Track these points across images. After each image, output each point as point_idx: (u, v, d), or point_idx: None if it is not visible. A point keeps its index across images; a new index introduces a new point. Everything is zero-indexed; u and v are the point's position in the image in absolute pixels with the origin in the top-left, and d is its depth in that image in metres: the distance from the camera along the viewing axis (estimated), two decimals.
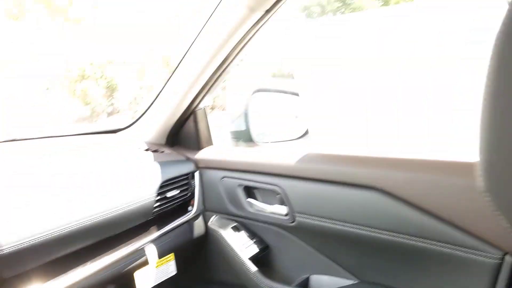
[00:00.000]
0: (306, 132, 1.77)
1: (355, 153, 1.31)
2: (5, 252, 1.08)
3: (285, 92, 1.88)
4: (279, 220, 1.46)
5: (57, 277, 1.26)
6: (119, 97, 11.96)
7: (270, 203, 1.50)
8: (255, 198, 1.56)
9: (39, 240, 1.15)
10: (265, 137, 1.77)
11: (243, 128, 1.72)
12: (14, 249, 1.10)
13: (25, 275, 1.20)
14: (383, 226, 1.20)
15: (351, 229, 1.27)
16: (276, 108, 1.94)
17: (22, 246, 1.12)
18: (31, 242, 1.14)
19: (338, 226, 1.29)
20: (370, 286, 1.32)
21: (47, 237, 1.17)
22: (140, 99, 11.96)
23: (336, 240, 1.35)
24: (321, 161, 1.36)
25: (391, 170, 1.20)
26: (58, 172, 1.34)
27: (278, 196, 1.45)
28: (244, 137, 1.72)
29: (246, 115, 1.71)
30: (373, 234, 1.22)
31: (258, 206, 1.53)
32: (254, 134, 1.70)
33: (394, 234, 1.18)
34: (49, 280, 1.24)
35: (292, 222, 1.42)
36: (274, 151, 1.54)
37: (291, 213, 1.41)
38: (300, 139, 1.78)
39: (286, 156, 1.45)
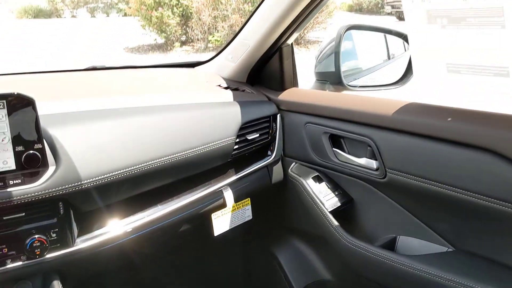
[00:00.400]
0: (405, 78, 1.58)
1: (468, 108, 1.13)
2: (84, 186, 1.07)
3: (385, 31, 1.68)
4: (367, 174, 1.34)
5: (135, 214, 1.25)
6: (193, 26, 11.91)
7: (358, 155, 1.37)
8: (341, 148, 1.43)
9: (118, 176, 1.13)
10: (356, 81, 1.61)
11: (331, 69, 1.56)
12: (93, 184, 1.09)
13: (104, 210, 1.19)
14: (496, 194, 1.04)
15: (453, 193, 1.11)
16: (372, 49, 1.75)
17: (102, 181, 1.10)
18: (110, 179, 1.12)
19: (438, 188, 1.14)
20: (469, 256, 1.18)
21: (127, 174, 1.15)
22: (213, 29, 11.85)
23: (433, 202, 1.21)
24: (424, 113, 1.19)
25: None
26: (137, 108, 1.28)
27: (369, 148, 1.32)
28: (332, 79, 1.57)
29: (336, 55, 1.54)
30: (481, 201, 1.07)
31: (345, 157, 1.40)
32: (344, 77, 1.54)
33: (509, 204, 1.02)
34: (127, 216, 1.23)
35: (383, 178, 1.29)
36: (368, 98, 1.39)
37: (382, 168, 1.28)
38: (398, 86, 1.59)
39: (381, 104, 1.30)
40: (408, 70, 1.59)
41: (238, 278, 1.87)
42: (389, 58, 1.84)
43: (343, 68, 1.54)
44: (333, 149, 1.43)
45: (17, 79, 1.51)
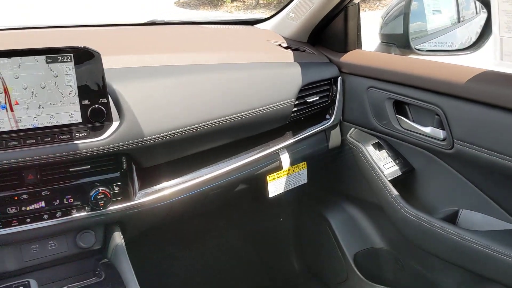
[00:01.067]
0: (479, 43, 1.48)
1: None
2: (147, 142, 1.08)
3: None
4: (433, 144, 1.28)
5: (193, 172, 1.26)
6: None
7: (424, 124, 1.31)
8: (405, 115, 1.37)
9: (180, 134, 1.14)
10: (424, 44, 1.52)
11: (399, 31, 1.48)
12: (155, 140, 1.10)
13: (164, 166, 1.21)
14: None
15: None
16: (441, 10, 1.64)
17: (163, 138, 1.11)
18: (172, 136, 1.13)
19: (510, 163, 1.08)
20: None
21: (188, 132, 1.15)
22: None
23: (503, 178, 1.15)
24: (501, 83, 1.11)
25: None
26: (200, 66, 1.27)
27: (436, 117, 1.25)
28: (399, 42, 1.48)
29: (405, 16, 1.46)
30: None
31: (409, 125, 1.34)
32: (412, 39, 1.46)
33: None
34: (186, 173, 1.25)
35: (450, 148, 1.23)
36: (437, 63, 1.31)
37: (449, 139, 1.22)
38: (471, 51, 1.49)
39: (452, 71, 1.22)
40: (482, 35, 1.48)
41: (289, 240, 1.88)
42: (459, 21, 1.73)
43: (414, 29, 1.46)
44: (397, 116, 1.37)
45: (77, 32, 1.52)
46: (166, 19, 1.73)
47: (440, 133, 1.25)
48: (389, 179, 1.37)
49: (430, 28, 1.64)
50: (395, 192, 1.35)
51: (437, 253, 1.30)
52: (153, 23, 1.68)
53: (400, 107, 1.37)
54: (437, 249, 1.28)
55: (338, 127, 1.55)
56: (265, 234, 1.89)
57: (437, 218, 1.28)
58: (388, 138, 1.43)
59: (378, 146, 1.44)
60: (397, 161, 1.40)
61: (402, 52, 1.50)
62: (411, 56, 1.50)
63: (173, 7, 12.11)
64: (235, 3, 12.03)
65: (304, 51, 1.55)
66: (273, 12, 1.73)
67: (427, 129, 1.29)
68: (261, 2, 11.63)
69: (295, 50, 1.53)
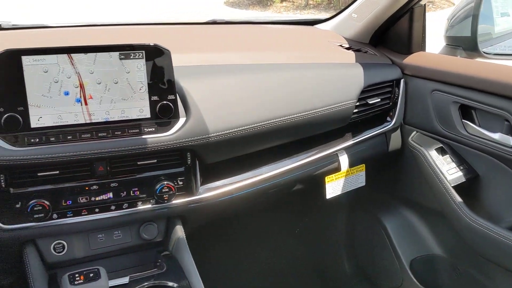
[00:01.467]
0: None
1: None
2: (211, 139, 1.10)
3: None
4: (501, 150, 1.23)
5: (253, 170, 1.28)
6: None
7: (492, 130, 1.26)
8: (471, 120, 1.32)
9: (243, 132, 1.15)
10: (491, 47, 1.46)
11: (466, 33, 1.43)
12: (219, 138, 1.12)
13: (226, 163, 1.23)
14: None
15: None
16: (509, 11, 1.58)
17: (227, 136, 1.13)
18: (235, 134, 1.14)
19: None
20: None
21: (251, 130, 1.17)
22: None
23: None
24: None
25: None
26: (263, 65, 1.28)
27: (506, 123, 1.21)
28: (466, 45, 1.44)
29: (474, 18, 1.41)
30: None
31: (476, 130, 1.30)
32: (481, 42, 1.41)
33: None
34: (246, 171, 1.26)
35: None
36: (507, 67, 1.27)
37: None
38: None
39: None
40: None
41: (343, 241, 1.87)
42: None
43: (483, 32, 1.41)
44: (463, 120, 1.33)
45: (141, 31, 1.56)
46: (226, 19, 1.75)
47: (510, 140, 1.21)
48: (452, 185, 1.34)
49: (497, 31, 1.58)
50: (458, 198, 1.31)
51: (501, 263, 1.26)
52: (214, 22, 1.71)
53: (465, 112, 1.33)
54: (501, 259, 1.24)
55: (398, 130, 1.52)
56: (319, 235, 1.89)
57: (503, 227, 1.23)
58: (452, 143, 1.39)
59: (442, 151, 1.40)
60: (461, 167, 1.36)
61: (469, 55, 1.46)
62: (478, 59, 1.45)
63: (223, 7, 12.23)
64: (284, 3, 12.01)
65: (366, 52, 1.53)
66: (323, 13, 1.73)
67: (496, 135, 1.25)
68: (311, 2, 11.57)
69: (356, 51, 1.51)
